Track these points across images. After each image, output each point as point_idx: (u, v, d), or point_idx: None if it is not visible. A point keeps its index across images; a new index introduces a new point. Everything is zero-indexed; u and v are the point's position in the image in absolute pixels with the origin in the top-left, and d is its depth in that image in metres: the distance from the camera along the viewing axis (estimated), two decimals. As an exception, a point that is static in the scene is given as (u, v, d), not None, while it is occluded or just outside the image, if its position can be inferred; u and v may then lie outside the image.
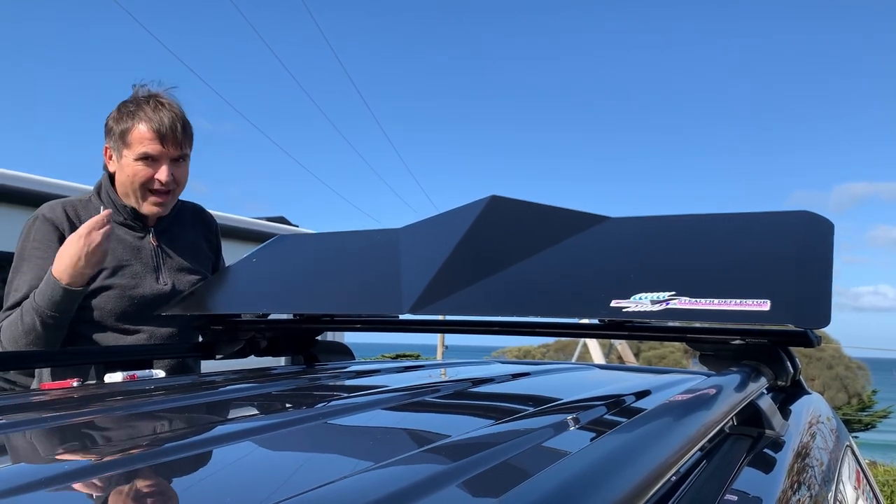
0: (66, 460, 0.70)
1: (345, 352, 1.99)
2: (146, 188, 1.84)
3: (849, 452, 1.21)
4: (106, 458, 0.67)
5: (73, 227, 1.80)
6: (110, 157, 1.88)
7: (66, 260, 1.65)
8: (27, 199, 3.09)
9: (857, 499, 1.17)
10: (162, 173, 1.82)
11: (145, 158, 1.81)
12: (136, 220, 1.89)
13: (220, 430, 0.88)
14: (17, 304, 1.74)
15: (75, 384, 1.30)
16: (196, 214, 2.09)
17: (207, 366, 1.94)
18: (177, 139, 1.82)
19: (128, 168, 1.82)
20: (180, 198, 2.03)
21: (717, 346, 1.28)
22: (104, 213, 1.68)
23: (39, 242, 1.78)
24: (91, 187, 1.97)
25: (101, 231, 1.65)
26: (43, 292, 1.67)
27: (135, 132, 1.80)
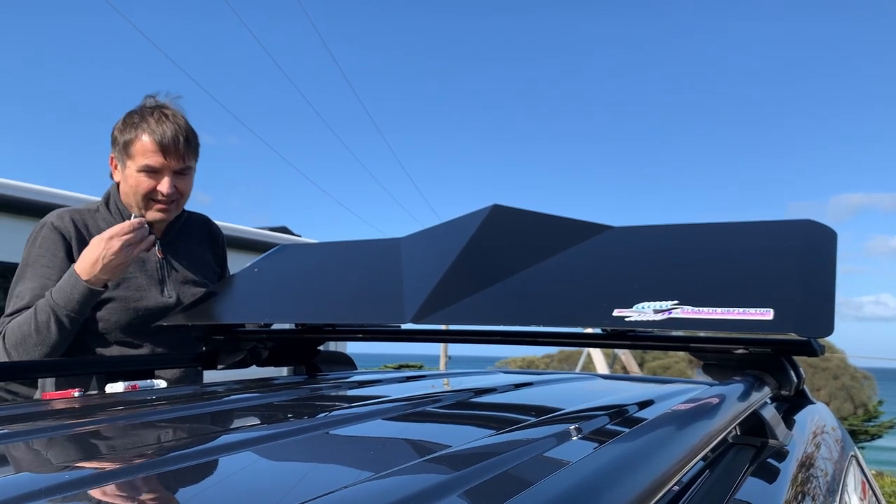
0: (68, 470, 0.70)
1: (347, 362, 1.99)
2: (149, 199, 1.84)
3: (854, 463, 1.20)
4: (107, 469, 0.67)
5: (81, 237, 1.81)
6: (115, 167, 1.89)
7: (87, 259, 1.68)
8: (28, 209, 3.10)
9: (862, 509, 1.16)
10: (164, 185, 1.82)
11: (148, 170, 1.81)
12: None
13: (221, 440, 0.88)
14: (20, 310, 1.74)
15: (76, 394, 1.30)
16: (203, 226, 2.09)
17: (209, 376, 1.94)
18: (179, 151, 1.82)
19: (131, 179, 1.83)
20: (188, 209, 2.04)
21: (720, 355, 1.27)
22: (133, 221, 1.72)
23: (45, 251, 1.78)
24: (93, 197, 1.98)
25: (122, 238, 1.68)
26: (62, 288, 1.68)
27: (138, 144, 1.81)
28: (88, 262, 1.68)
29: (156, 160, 1.81)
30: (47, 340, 1.67)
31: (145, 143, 1.80)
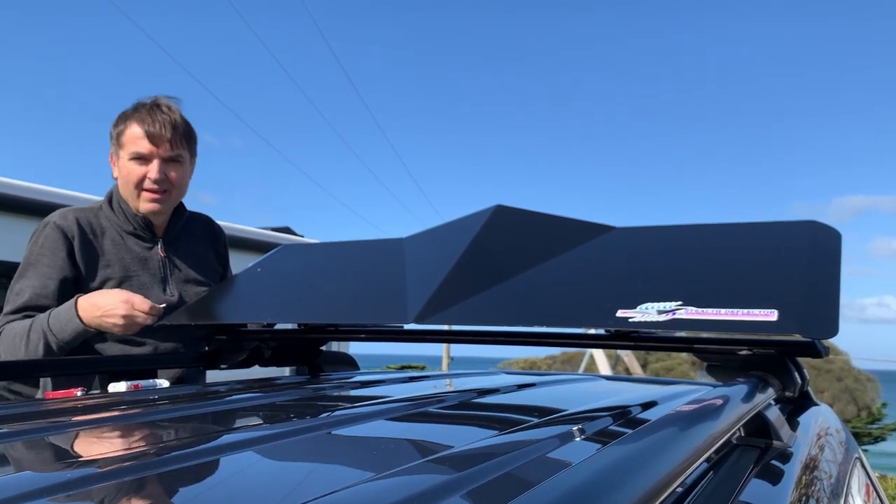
0: (70, 469, 0.70)
1: (349, 362, 1.99)
2: (140, 188, 1.86)
3: (858, 465, 1.20)
4: (109, 468, 0.67)
5: (84, 236, 1.81)
6: (114, 164, 1.90)
7: (93, 302, 1.68)
8: (30, 208, 3.10)
9: (866, 512, 1.16)
10: (152, 171, 1.84)
11: (137, 158, 1.84)
12: (145, 231, 1.90)
13: (223, 439, 0.88)
14: (19, 309, 1.74)
15: (79, 394, 1.30)
16: (205, 226, 2.10)
17: (212, 376, 1.94)
18: (166, 138, 1.84)
19: (123, 169, 1.86)
20: (191, 210, 2.04)
21: (724, 356, 1.27)
22: (157, 306, 1.71)
23: (47, 249, 1.78)
24: (94, 196, 1.98)
25: (134, 312, 1.67)
26: (59, 315, 1.68)
27: (127, 133, 1.85)
28: (93, 304, 1.68)
29: (144, 147, 1.83)
30: (35, 358, 1.68)
31: (134, 132, 1.84)
